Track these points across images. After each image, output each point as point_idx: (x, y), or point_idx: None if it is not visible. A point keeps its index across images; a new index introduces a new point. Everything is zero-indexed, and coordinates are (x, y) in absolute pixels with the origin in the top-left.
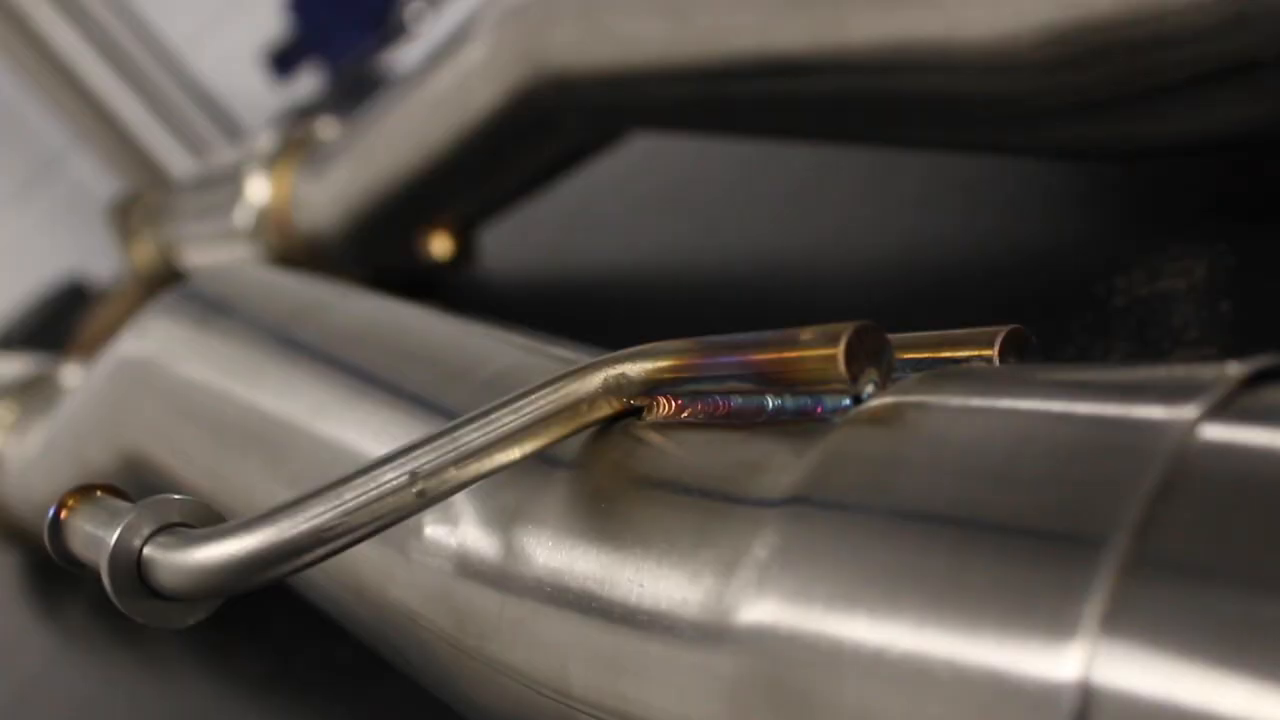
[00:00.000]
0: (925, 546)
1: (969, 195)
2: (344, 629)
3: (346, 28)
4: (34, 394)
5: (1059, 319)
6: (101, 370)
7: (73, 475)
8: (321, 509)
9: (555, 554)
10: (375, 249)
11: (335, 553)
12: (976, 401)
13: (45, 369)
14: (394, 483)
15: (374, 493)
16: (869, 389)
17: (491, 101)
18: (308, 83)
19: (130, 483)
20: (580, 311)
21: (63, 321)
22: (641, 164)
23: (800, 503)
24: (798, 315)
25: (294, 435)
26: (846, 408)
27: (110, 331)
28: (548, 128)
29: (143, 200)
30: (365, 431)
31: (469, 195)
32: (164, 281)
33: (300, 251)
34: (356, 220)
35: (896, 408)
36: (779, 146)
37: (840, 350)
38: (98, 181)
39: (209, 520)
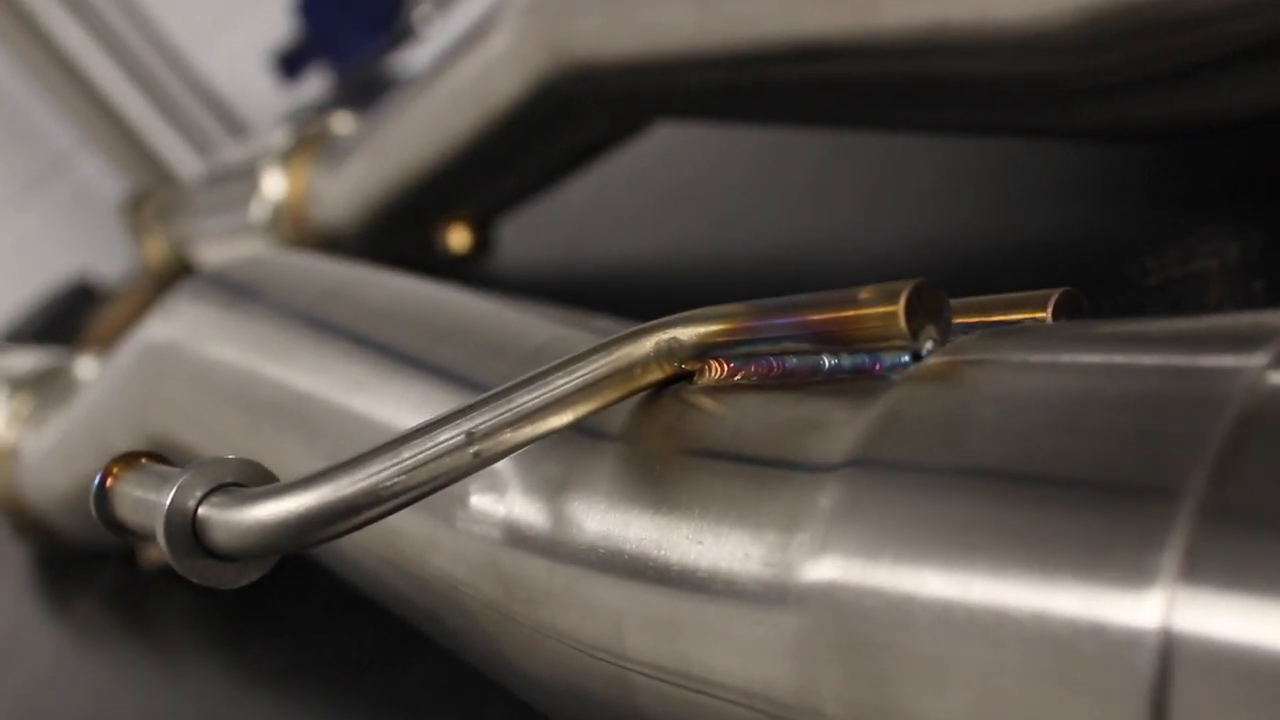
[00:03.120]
0: (996, 500)
1: (994, 180)
2: (364, 616)
3: (354, 30)
4: (49, 387)
5: (1091, 300)
6: (125, 356)
7: (94, 463)
8: (379, 467)
9: (607, 519)
10: (392, 243)
11: (391, 512)
12: (1038, 357)
13: (59, 362)
14: (451, 442)
15: (431, 451)
16: (928, 346)
17: (514, 92)
18: (315, 85)
19: None
20: (597, 305)
21: (70, 320)
22: (659, 156)
23: (863, 459)
24: None
25: (329, 411)
26: (905, 365)
27: (120, 329)
28: (570, 118)
29: (155, 196)
30: (403, 406)
31: (488, 188)
32: (176, 278)
33: (316, 246)
34: (373, 214)
35: (956, 365)
36: (797, 136)
37: (901, 306)
38: (104, 181)
39: (263, 480)
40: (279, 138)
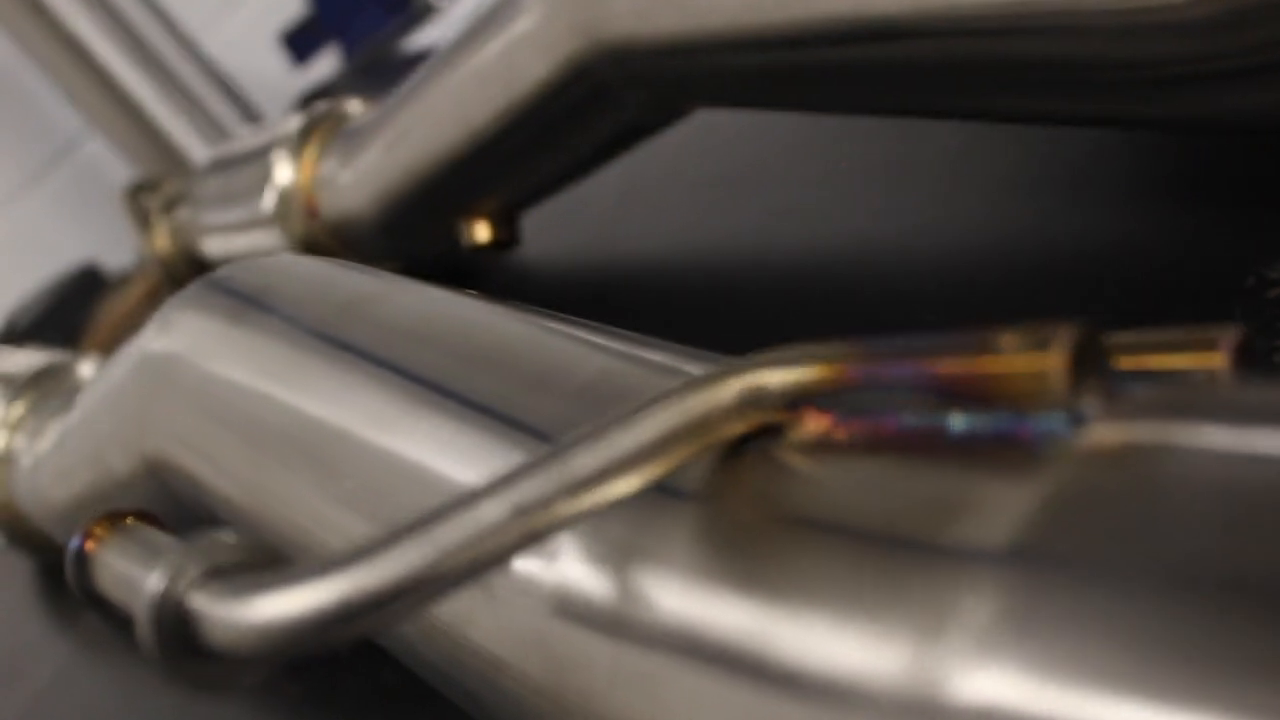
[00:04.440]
0: (1223, 619)
1: (1079, 174)
2: (384, 649)
3: (367, 8)
4: (49, 390)
5: (1202, 315)
6: (122, 367)
7: (91, 479)
8: (412, 552)
9: (688, 599)
10: (410, 236)
11: (423, 605)
12: (1256, 441)
13: (60, 362)
14: (496, 518)
15: (473, 531)
16: (1090, 408)
17: (542, 75)
18: (327, 65)
19: (154, 489)
20: (633, 305)
21: (77, 308)
22: (701, 139)
23: (1031, 550)
24: (883, 311)
25: (347, 447)
26: (1063, 431)
27: (126, 319)
28: (603, 104)
29: (160, 185)
30: (433, 446)
31: (514, 178)
32: (181, 268)
33: (328, 239)
34: (390, 205)
35: (1143, 439)
36: (855, 121)
37: (1060, 360)
38: (113, 166)
39: (267, 561)
40: (289, 123)
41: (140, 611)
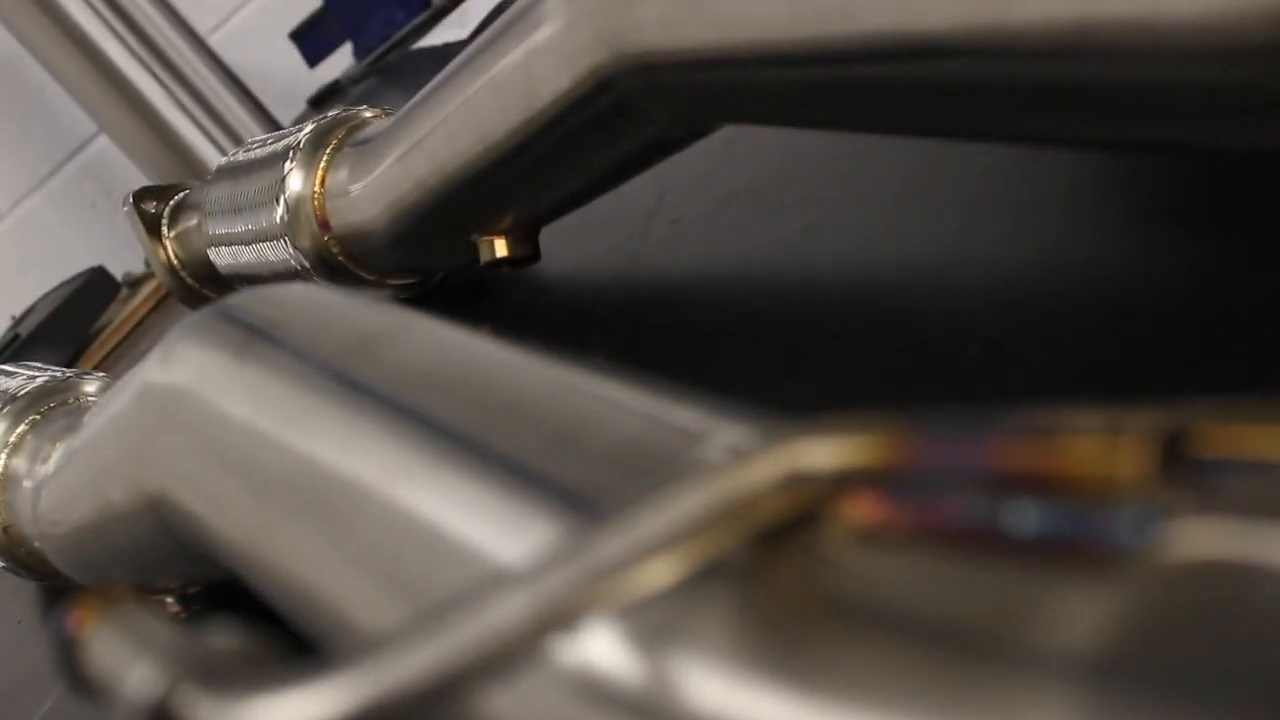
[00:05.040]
0: None
1: (1129, 194)
2: None
3: (383, 6)
4: (50, 409)
5: (1238, 343)
6: (125, 396)
7: (91, 510)
8: (429, 651)
9: (727, 687)
10: (424, 251)
11: (439, 706)
12: None
13: (62, 379)
14: (521, 612)
15: (495, 627)
16: (1177, 505)
17: (564, 87)
18: (341, 66)
19: (154, 525)
20: (655, 322)
21: (87, 311)
22: (728, 152)
23: (1109, 669)
24: (928, 341)
25: (359, 500)
26: (1143, 532)
27: (135, 326)
28: (627, 118)
29: (166, 192)
30: (449, 502)
31: (533, 193)
32: (188, 277)
33: (338, 254)
34: (404, 219)
35: (1234, 544)
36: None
37: (1139, 452)
38: (123, 169)
39: (267, 658)
40: (300, 132)
41: (126, 714)
